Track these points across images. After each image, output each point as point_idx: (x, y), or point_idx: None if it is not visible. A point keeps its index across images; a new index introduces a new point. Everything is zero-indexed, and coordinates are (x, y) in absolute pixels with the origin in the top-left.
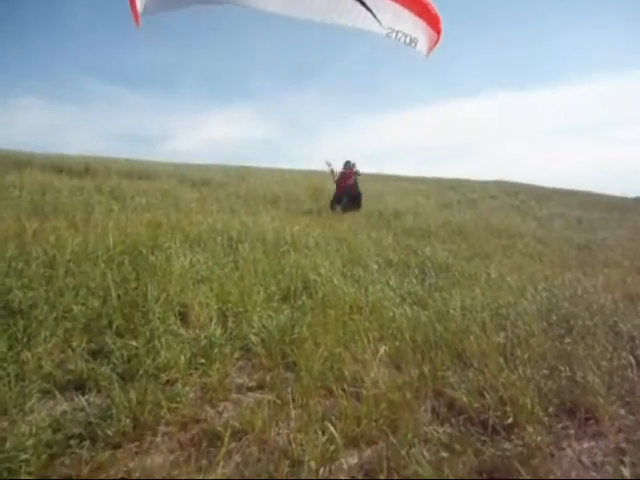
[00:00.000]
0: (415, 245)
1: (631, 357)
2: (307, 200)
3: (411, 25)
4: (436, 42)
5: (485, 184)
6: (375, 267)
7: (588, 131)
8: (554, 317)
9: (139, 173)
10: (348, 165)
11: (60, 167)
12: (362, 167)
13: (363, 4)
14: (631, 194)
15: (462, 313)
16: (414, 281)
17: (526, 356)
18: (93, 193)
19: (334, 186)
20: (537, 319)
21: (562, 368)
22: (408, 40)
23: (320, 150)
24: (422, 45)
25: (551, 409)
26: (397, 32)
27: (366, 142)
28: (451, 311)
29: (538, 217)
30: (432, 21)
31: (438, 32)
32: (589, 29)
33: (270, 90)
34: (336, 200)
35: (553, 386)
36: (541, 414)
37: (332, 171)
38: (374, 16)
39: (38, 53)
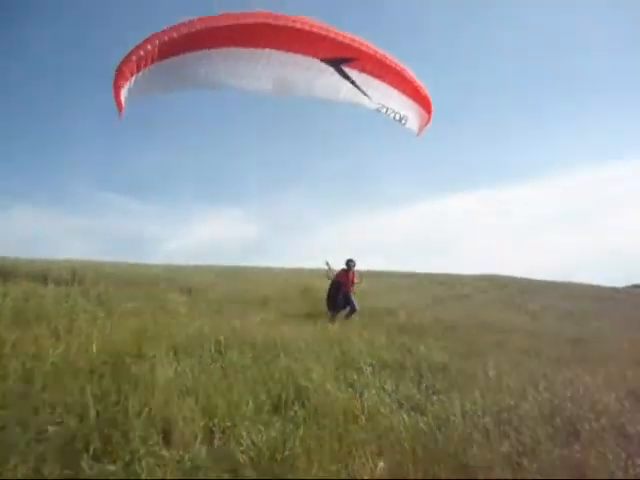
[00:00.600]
0: (409, 343)
1: None
2: (297, 300)
3: (402, 104)
4: (427, 122)
5: (475, 278)
6: (369, 369)
7: (572, 221)
8: (558, 420)
9: (129, 277)
10: (351, 264)
11: (46, 273)
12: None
13: (353, 83)
14: (619, 284)
15: (463, 419)
16: (410, 384)
17: (534, 467)
18: (79, 299)
19: (328, 283)
20: (541, 423)
21: None
22: (398, 117)
23: (309, 248)
24: (413, 124)
25: None
26: (387, 108)
27: (355, 239)
28: (451, 417)
29: (530, 310)
30: (423, 102)
31: (429, 113)
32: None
33: (260, 190)
34: (332, 302)
35: None
36: None
37: (329, 269)
38: (364, 93)
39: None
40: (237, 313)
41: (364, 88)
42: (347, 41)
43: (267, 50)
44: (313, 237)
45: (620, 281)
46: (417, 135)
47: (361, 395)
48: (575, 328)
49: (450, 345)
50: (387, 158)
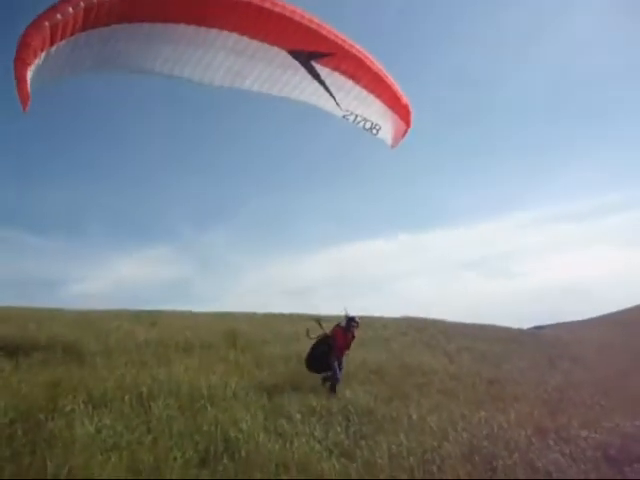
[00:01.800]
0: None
1: None
2: (222, 346)
3: (375, 111)
4: (404, 133)
5: (395, 320)
6: (298, 417)
7: (483, 266)
8: (477, 458)
9: (37, 323)
10: (354, 324)
11: None
12: (277, 307)
13: (322, 83)
14: (526, 324)
15: (390, 461)
16: (339, 429)
17: None
18: None
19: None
20: (462, 462)
21: None
22: (368, 125)
23: (233, 291)
24: (386, 134)
25: None
26: (356, 115)
27: (281, 281)
28: (378, 461)
29: (447, 352)
30: (402, 111)
31: (407, 123)
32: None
33: (183, 230)
34: (315, 363)
35: None
36: None
37: (320, 328)
38: (331, 95)
39: None
40: (159, 361)
41: (333, 90)
42: (324, 32)
43: (224, 32)
44: (238, 280)
45: (528, 322)
46: (391, 147)
47: (291, 443)
48: (489, 369)
49: (375, 390)
50: (309, 199)
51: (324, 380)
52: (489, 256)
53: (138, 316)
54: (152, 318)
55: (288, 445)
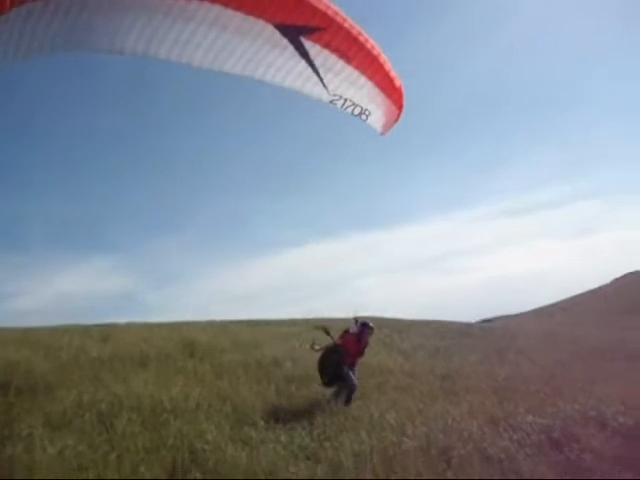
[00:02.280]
0: (298, 392)
1: None
2: (180, 356)
3: (366, 94)
4: (396, 119)
5: (350, 321)
6: (262, 423)
7: (433, 264)
8: (433, 451)
9: None
10: (367, 330)
11: None
12: (232, 312)
13: (311, 64)
14: (474, 319)
15: (354, 461)
16: (303, 433)
17: None
18: None
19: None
20: (420, 455)
21: None
22: (357, 111)
23: (187, 299)
24: (377, 120)
25: None
26: (345, 100)
27: (236, 286)
28: (343, 461)
29: (402, 350)
30: (394, 94)
31: (400, 107)
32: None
33: (133, 239)
34: (329, 372)
35: None
36: None
37: (325, 331)
38: (319, 77)
39: None
40: (116, 376)
41: (322, 71)
42: (313, 1)
43: (205, 3)
44: (192, 288)
45: (477, 316)
46: (381, 134)
47: (258, 451)
48: (442, 364)
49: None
50: (262, 203)
51: (335, 395)
52: (439, 253)
53: (88, 331)
54: (104, 332)
55: (255, 453)
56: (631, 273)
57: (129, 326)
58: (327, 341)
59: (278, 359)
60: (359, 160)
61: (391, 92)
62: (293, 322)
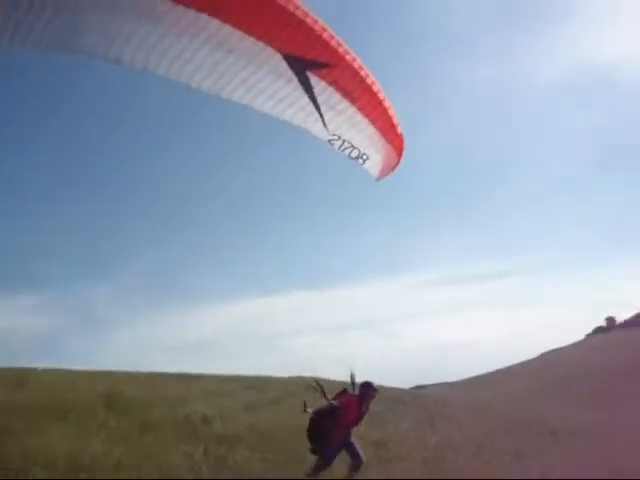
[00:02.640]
0: (226, 455)
1: None
2: (102, 409)
3: (367, 137)
4: (395, 166)
5: (286, 380)
6: None
7: (370, 327)
8: None
9: None
10: (372, 392)
11: None
12: (160, 364)
13: (314, 100)
14: (407, 385)
15: None
16: None
17: None
18: None
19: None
20: None
21: None
22: (355, 154)
23: (114, 347)
24: (374, 165)
25: None
26: (344, 141)
27: (166, 337)
28: None
29: None
30: (395, 140)
31: (400, 154)
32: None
33: (58, 278)
34: (324, 441)
35: None
36: None
37: (321, 390)
38: (320, 114)
39: None
40: (30, 428)
41: (324, 109)
42: (326, 37)
43: (214, 21)
44: (120, 335)
45: (409, 382)
46: (377, 179)
47: None
48: (376, 430)
49: (268, 455)
50: (201, 252)
51: (317, 470)
52: (378, 317)
53: (1, 375)
54: (19, 378)
55: None
56: (554, 350)
57: (48, 372)
58: (319, 403)
59: (207, 416)
60: (306, 218)
61: (392, 138)
62: (224, 378)
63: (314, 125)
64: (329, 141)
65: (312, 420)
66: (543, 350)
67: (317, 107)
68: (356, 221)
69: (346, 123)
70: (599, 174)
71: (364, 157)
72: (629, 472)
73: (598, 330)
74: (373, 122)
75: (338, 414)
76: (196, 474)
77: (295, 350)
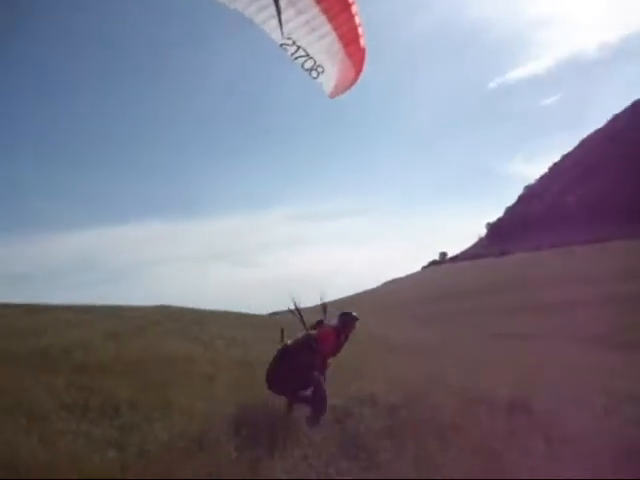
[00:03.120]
0: (91, 384)
1: None
2: None
3: (325, 47)
4: (351, 84)
5: (148, 309)
6: (55, 417)
7: (232, 257)
8: (244, 432)
9: None
10: (351, 322)
11: None
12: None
13: None
14: (264, 311)
15: (163, 447)
16: (105, 424)
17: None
18: None
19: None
20: (232, 437)
21: None
22: (309, 65)
23: None
24: (328, 79)
25: None
26: (299, 48)
27: (12, 265)
28: (151, 448)
29: (202, 340)
30: (357, 54)
31: (359, 72)
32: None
33: None
34: (288, 376)
35: None
36: None
37: (298, 313)
38: (278, 13)
39: None
40: None
41: (283, 4)
42: None
43: None
44: None
45: (267, 309)
46: (330, 96)
47: (55, 445)
48: (242, 354)
49: (136, 381)
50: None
51: (291, 406)
52: (240, 247)
53: None
54: None
55: (51, 447)
56: (395, 280)
57: None
58: (294, 333)
59: (67, 347)
60: (174, 145)
61: (354, 51)
62: (82, 308)
63: (268, 22)
64: (282, 45)
65: (281, 356)
66: (386, 280)
67: (276, 3)
68: (226, 156)
69: (305, 26)
70: (447, 129)
71: (319, 69)
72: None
73: (433, 263)
74: (336, 29)
75: (315, 346)
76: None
77: (157, 279)
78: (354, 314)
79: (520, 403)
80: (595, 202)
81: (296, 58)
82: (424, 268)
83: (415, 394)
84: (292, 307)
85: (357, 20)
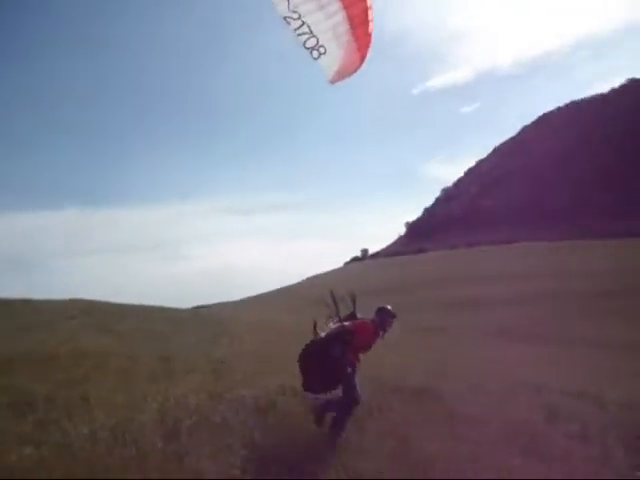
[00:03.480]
0: (1, 379)
1: None
2: None
3: (332, 26)
4: (354, 70)
5: (61, 303)
6: None
7: (155, 248)
8: (169, 422)
9: None
10: (389, 318)
11: None
12: None
13: None
14: (189, 305)
15: (84, 440)
16: (19, 420)
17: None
18: None
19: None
20: (155, 428)
21: None
22: (311, 43)
23: None
24: (330, 63)
25: None
26: (303, 23)
27: None
28: (72, 441)
29: (120, 333)
30: (363, 39)
31: (363, 58)
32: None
33: None
34: (322, 374)
35: None
36: None
37: (336, 309)
38: None
39: None
40: None
41: None
42: None
43: None
44: None
45: (190, 302)
46: (331, 82)
47: None
48: (160, 347)
49: (51, 376)
50: None
51: (325, 409)
52: (162, 239)
53: None
54: None
55: None
56: (318, 275)
57: None
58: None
59: None
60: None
61: (361, 34)
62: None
63: None
64: (285, 18)
65: (311, 351)
66: (309, 274)
67: None
68: (153, 142)
69: (314, 1)
70: (372, 130)
71: (321, 50)
72: None
73: (355, 259)
74: (346, 7)
75: (350, 339)
76: None
77: (71, 270)
78: (391, 311)
79: (428, 390)
80: (508, 206)
81: (299, 35)
82: (346, 264)
83: None
84: (329, 299)
85: (369, 1)
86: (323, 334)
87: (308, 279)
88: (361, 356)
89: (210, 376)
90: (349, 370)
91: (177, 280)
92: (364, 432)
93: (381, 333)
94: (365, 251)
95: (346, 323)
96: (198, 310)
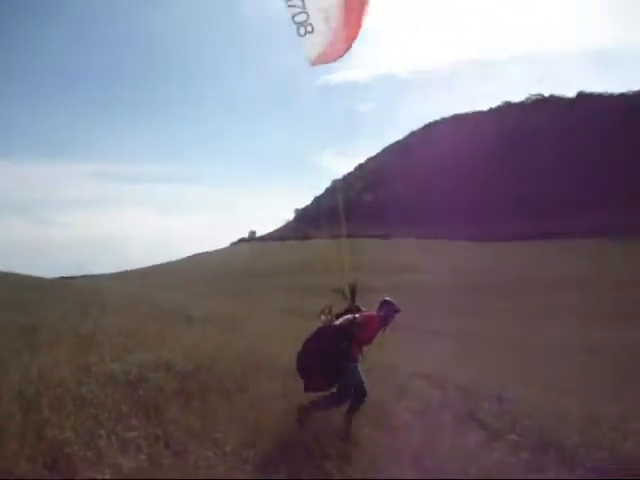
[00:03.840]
0: None
1: None
2: None
3: (326, 6)
4: (334, 58)
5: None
6: None
7: (21, 210)
8: (25, 397)
9: None
10: (392, 311)
11: None
12: None
13: None
14: (57, 274)
15: None
16: None
17: None
18: None
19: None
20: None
21: None
22: (301, 19)
23: None
24: (315, 44)
25: None
26: None
27: None
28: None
29: None
30: (352, 22)
31: (351, 39)
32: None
33: None
34: (319, 370)
35: None
36: None
37: (352, 297)
38: None
39: None
40: None
41: None
42: None
43: None
44: None
45: (57, 272)
46: (312, 64)
47: None
48: (22, 317)
49: None
50: None
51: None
52: (28, 200)
53: None
54: None
55: None
56: (201, 253)
57: None
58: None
59: None
60: None
61: (353, 19)
62: None
63: None
64: None
65: (313, 341)
66: (191, 252)
67: None
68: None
69: None
70: (273, 113)
71: (308, 28)
72: None
73: (242, 240)
74: None
75: (357, 332)
76: None
77: None
78: (396, 305)
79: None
80: (387, 203)
81: (290, 6)
82: (233, 244)
83: (207, 360)
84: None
85: None
86: (337, 322)
87: (191, 257)
88: (356, 351)
89: (77, 349)
90: (352, 366)
91: (44, 247)
92: (232, 405)
93: (383, 328)
94: (253, 233)
95: (357, 315)
96: (67, 280)
